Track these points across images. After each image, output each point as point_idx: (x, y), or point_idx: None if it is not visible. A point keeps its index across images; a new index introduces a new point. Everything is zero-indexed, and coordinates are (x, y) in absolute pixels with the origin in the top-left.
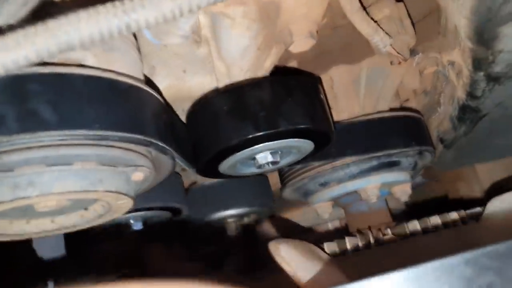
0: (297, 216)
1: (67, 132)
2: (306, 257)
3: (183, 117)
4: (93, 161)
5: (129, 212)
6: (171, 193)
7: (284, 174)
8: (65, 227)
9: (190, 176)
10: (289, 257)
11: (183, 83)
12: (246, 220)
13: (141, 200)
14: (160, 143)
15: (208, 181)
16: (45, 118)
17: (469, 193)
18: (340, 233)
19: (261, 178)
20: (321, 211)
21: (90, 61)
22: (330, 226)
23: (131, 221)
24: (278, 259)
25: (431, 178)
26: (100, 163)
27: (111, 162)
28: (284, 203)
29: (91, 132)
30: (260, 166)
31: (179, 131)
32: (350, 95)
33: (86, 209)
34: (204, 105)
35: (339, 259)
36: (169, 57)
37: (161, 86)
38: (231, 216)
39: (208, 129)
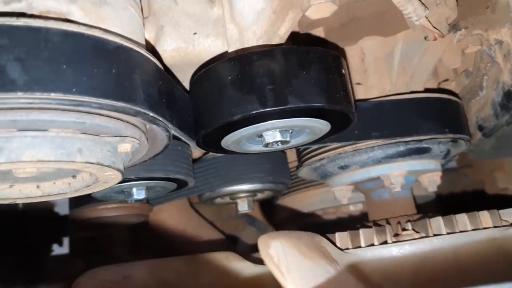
0: (314, 196)
1: (37, 95)
2: (307, 257)
3: None
4: (70, 128)
5: (131, 180)
6: (175, 164)
7: (302, 152)
8: (52, 195)
9: None
10: (281, 256)
11: (192, 47)
12: (259, 196)
13: (143, 169)
14: (150, 113)
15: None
16: (12, 78)
17: (509, 185)
18: (359, 220)
19: (278, 153)
20: (339, 195)
21: (76, 16)
22: (353, 208)
23: (133, 191)
24: (266, 258)
25: (465, 164)
26: (79, 131)
27: (93, 131)
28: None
29: (67, 97)
30: (267, 145)
31: (179, 100)
32: (381, 71)
33: (74, 177)
34: (208, 72)
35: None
36: (179, 16)
37: (168, 48)
38: (244, 191)
39: (210, 100)
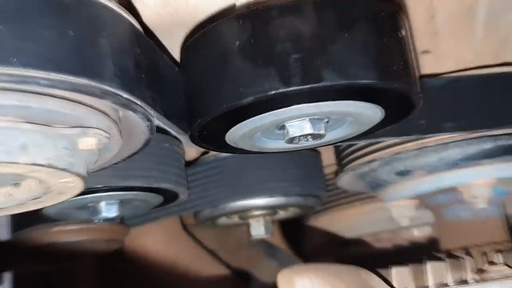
0: (361, 215)
1: None
2: None
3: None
4: (9, 115)
5: (98, 191)
6: (160, 168)
7: (342, 152)
8: None
9: None
10: None
11: (185, 0)
12: (281, 214)
13: (114, 175)
14: (123, 94)
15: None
16: None
17: None
18: (426, 250)
19: (308, 152)
20: (397, 213)
21: None
22: (417, 233)
23: (102, 206)
24: None
25: None
26: (23, 120)
27: (42, 120)
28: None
29: (4, 70)
30: (292, 140)
31: (165, 75)
32: (459, 33)
33: (16, 185)
34: (207, 35)
35: None
36: None
37: (151, 3)
38: (260, 207)
39: (210, 75)
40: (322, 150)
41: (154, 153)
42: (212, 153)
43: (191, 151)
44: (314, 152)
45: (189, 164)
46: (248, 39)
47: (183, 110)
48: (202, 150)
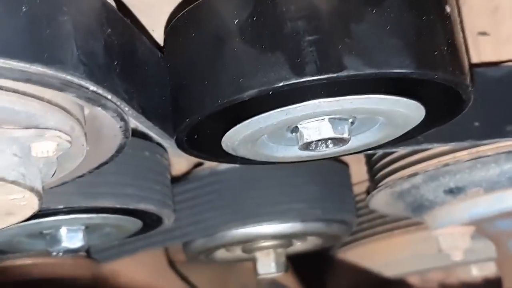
0: (402, 247)
1: None
2: None
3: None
4: None
5: (57, 213)
6: (138, 184)
7: (376, 163)
8: None
9: None
10: None
11: None
12: (298, 246)
13: (79, 192)
14: (89, 86)
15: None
16: None
17: None
18: None
19: (332, 163)
20: (447, 244)
21: None
22: (476, 273)
23: (62, 233)
24: None
25: None
26: None
27: None
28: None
29: None
30: (307, 146)
31: (144, 62)
32: None
33: None
34: (198, 11)
35: None
36: None
37: None
38: (269, 236)
39: (201, 62)
40: (350, 161)
41: (130, 164)
42: (207, 165)
43: (180, 162)
44: (339, 163)
45: (177, 179)
46: (250, 16)
47: (167, 107)
48: (194, 160)
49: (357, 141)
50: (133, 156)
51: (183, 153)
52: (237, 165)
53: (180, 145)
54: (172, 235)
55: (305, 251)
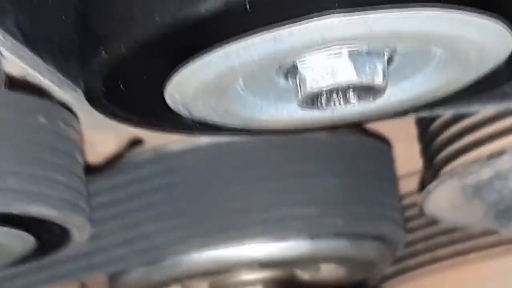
0: (480, 281)
1: None
2: None
3: None
4: None
5: None
6: (26, 174)
7: (435, 138)
8: None
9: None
10: None
11: None
12: (306, 277)
13: None
14: None
15: (186, 140)
16: None
17: None
18: None
19: (360, 139)
20: None
21: None
22: None
23: None
24: None
25: None
26: None
27: None
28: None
29: None
30: (313, 100)
31: None
32: None
33: None
34: None
35: None
36: None
37: None
38: (254, 263)
39: None
40: (394, 137)
41: (10, 139)
42: (148, 143)
43: (104, 140)
44: (375, 140)
45: (99, 169)
46: None
47: (69, 34)
48: (128, 135)
49: (400, 92)
50: (16, 125)
51: (105, 122)
52: (199, 143)
53: (94, 99)
54: (90, 262)
55: (321, 286)
